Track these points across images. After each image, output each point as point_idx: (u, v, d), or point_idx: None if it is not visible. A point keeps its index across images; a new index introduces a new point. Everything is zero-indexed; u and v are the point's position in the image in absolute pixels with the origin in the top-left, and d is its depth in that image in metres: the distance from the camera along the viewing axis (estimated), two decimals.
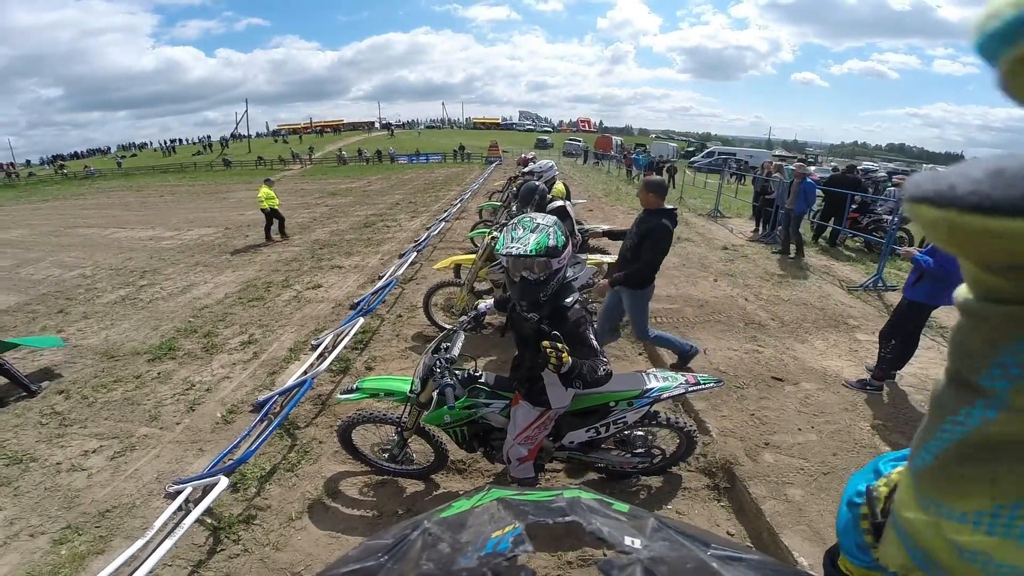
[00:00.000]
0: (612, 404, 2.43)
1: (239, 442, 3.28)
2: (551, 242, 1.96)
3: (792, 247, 7.80)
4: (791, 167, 8.54)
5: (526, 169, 6.90)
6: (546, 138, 53.68)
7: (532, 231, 1.99)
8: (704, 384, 2.57)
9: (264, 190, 10.72)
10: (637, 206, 3.95)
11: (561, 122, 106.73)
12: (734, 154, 32.02)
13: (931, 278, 3.42)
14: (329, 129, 78.99)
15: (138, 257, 10.05)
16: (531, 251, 1.93)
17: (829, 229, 9.04)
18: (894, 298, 5.84)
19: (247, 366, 4.70)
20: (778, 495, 2.74)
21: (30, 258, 10.79)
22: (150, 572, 2.14)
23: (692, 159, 31.59)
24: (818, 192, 8.43)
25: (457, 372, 2.38)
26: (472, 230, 8.01)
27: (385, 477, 3.00)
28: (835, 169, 11.53)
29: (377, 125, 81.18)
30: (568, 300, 2.06)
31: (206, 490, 2.67)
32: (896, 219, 6.91)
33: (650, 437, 2.74)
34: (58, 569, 2.55)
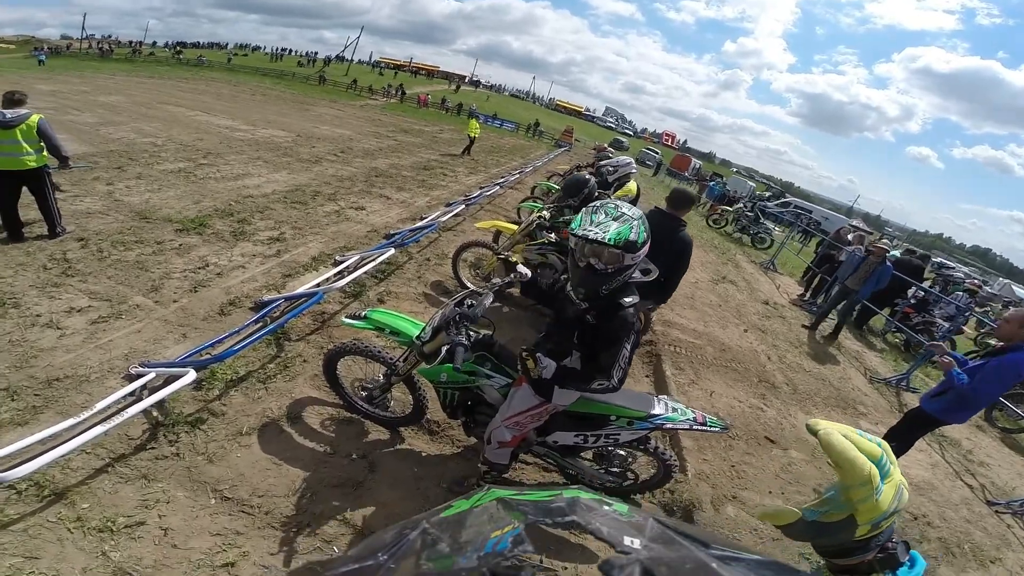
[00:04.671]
0: (612, 418, 2.30)
1: (224, 338, 3.14)
2: (632, 236, 1.79)
3: (824, 325, 7.25)
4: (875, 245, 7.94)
5: (599, 153, 6.66)
6: (623, 140, 51.95)
7: (615, 219, 1.81)
8: (710, 426, 2.41)
9: (473, 122, 16.28)
10: (693, 233, 3.83)
11: (644, 129, 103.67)
12: (810, 211, 30.58)
13: (956, 395, 3.29)
14: (423, 72, 79.21)
15: (209, 140, 10.38)
16: (609, 239, 1.76)
17: (878, 317, 8.55)
18: (912, 400, 5.65)
19: (266, 261, 4.65)
20: None
21: (115, 120, 11.34)
22: (60, 457, 1.97)
23: (763, 203, 30.26)
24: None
25: (472, 333, 2.21)
26: (523, 202, 7.95)
27: (353, 416, 2.85)
28: (907, 252, 10.75)
29: (468, 81, 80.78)
30: (627, 300, 1.92)
31: (168, 380, 2.50)
32: (951, 328, 6.47)
33: (630, 459, 2.61)
34: None
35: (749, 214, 14.97)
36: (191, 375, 2.47)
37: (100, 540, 1.96)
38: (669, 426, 2.34)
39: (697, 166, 42.37)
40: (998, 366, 3.15)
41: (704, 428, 2.40)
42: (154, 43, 78.49)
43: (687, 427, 2.38)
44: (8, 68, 26.99)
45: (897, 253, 9.29)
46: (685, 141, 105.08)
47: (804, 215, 26.28)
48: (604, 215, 1.83)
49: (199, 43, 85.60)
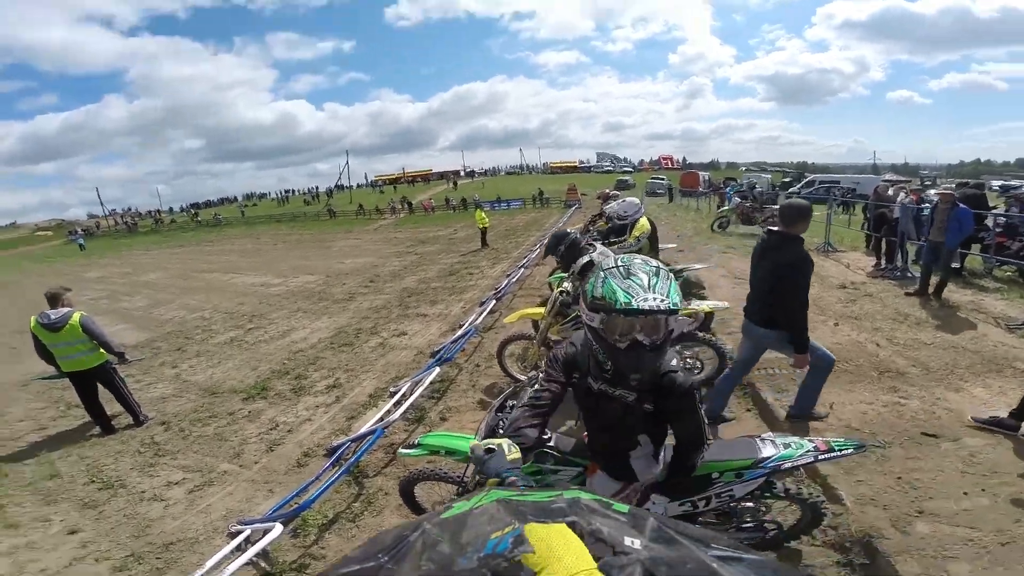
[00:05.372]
0: (715, 475, 2.02)
1: (306, 486, 3.26)
2: (679, 294, 1.52)
3: (931, 284, 6.58)
4: (934, 191, 7.37)
5: (608, 208, 6.67)
6: (627, 178, 52.59)
7: (656, 275, 1.51)
8: (841, 450, 2.08)
9: (480, 213, 17.19)
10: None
11: (642, 161, 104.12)
12: (838, 182, 29.39)
13: None
14: (419, 179, 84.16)
15: (249, 302, 11.07)
16: (675, 303, 1.48)
17: (971, 257, 7.68)
18: None
19: (328, 409, 4.82)
20: (935, 571, 2.30)
21: (162, 299, 12.40)
22: None
23: (789, 190, 29.30)
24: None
25: None
26: (551, 274, 7.85)
27: None
28: (960, 185, 9.99)
29: (462, 173, 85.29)
30: (674, 363, 1.68)
31: (266, 533, 2.66)
32: None
33: (763, 509, 2.29)
34: None
35: (748, 205, 14.80)
36: (278, 528, 2.64)
37: None
38: (788, 465, 2.05)
39: (707, 178, 42.13)
40: None
41: (833, 455, 2.09)
42: (171, 209, 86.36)
43: (811, 460, 2.08)
44: (55, 258, 31.26)
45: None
46: (684, 158, 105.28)
47: (834, 187, 25.27)
48: (641, 273, 1.51)
49: (211, 201, 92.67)
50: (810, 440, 2.12)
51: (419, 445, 2.50)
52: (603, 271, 1.57)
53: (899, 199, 8.31)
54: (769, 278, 3.16)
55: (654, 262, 1.58)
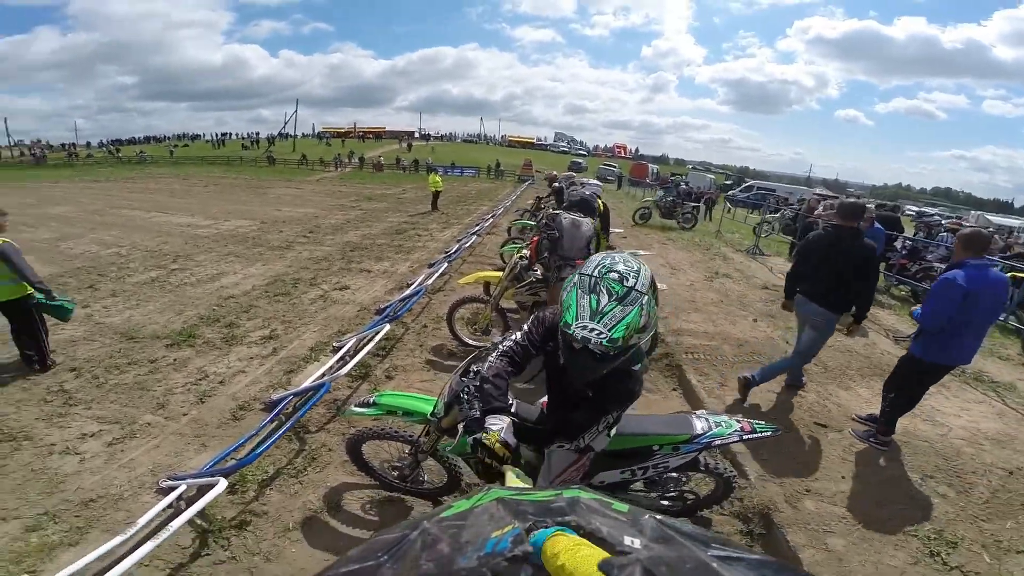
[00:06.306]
0: (656, 448, 2.21)
1: (244, 441, 3.15)
2: (643, 320, 1.46)
3: None
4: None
5: (555, 184, 6.76)
6: (580, 161, 52.85)
7: (620, 299, 1.44)
8: (760, 432, 2.32)
9: (434, 176, 16.79)
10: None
11: (596, 146, 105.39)
12: (774, 190, 31.23)
13: (928, 332, 3.15)
14: (371, 136, 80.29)
15: (173, 242, 10.25)
16: (614, 342, 1.42)
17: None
18: None
19: (265, 361, 4.58)
20: (818, 544, 2.64)
21: (72, 233, 11.13)
22: (124, 572, 2.00)
23: (729, 192, 30.91)
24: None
25: None
26: (503, 246, 7.94)
27: (392, 494, 2.82)
28: (878, 207, 11.08)
29: (417, 135, 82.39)
30: (636, 368, 1.71)
31: (201, 490, 2.52)
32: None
33: (683, 479, 2.54)
34: (22, 557, 2.37)
35: (670, 200, 15.74)
36: (223, 484, 2.50)
37: None
38: (718, 443, 2.26)
39: (655, 171, 43.39)
40: (934, 287, 3.13)
41: (755, 436, 2.32)
42: (88, 143, 75.27)
43: (737, 439, 2.29)
44: None
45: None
46: (637, 149, 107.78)
47: (770, 194, 26.87)
48: (603, 292, 1.45)
49: (136, 138, 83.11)
50: (737, 420, 2.33)
51: (375, 404, 2.43)
52: (579, 274, 1.54)
53: (816, 212, 9.02)
54: (848, 268, 3.55)
55: (633, 273, 1.49)
